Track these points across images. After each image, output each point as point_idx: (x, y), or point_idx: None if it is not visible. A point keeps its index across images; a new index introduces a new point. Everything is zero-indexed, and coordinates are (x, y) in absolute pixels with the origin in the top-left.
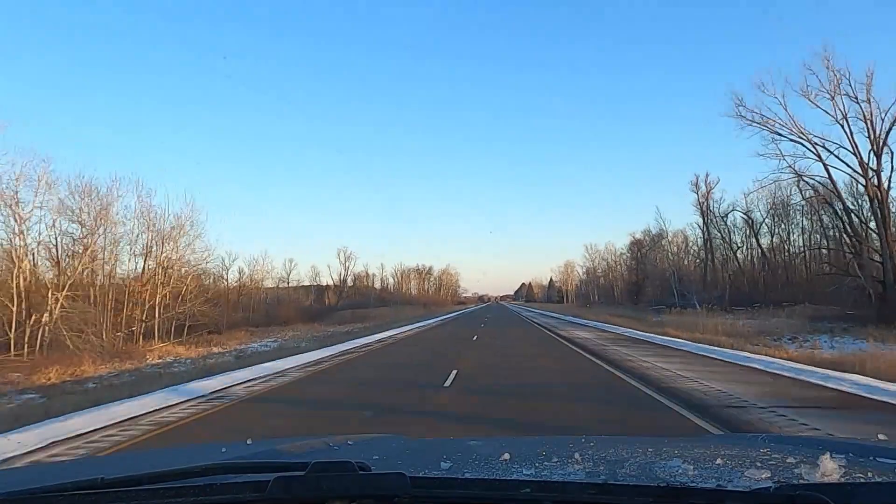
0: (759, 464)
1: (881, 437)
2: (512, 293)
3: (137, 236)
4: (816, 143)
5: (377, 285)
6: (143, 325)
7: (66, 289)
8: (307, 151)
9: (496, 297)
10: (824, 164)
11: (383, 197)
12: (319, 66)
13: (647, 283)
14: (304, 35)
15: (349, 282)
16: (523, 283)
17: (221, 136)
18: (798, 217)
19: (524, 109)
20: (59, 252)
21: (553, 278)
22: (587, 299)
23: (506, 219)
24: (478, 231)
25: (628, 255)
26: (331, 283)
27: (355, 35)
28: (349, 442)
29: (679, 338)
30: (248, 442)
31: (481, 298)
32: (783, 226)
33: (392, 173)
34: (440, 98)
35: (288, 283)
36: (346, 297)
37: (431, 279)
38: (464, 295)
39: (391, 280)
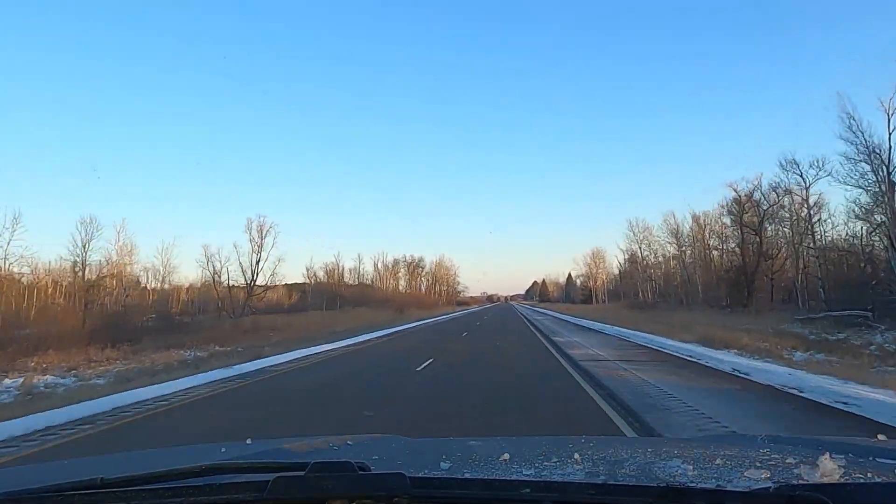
0: (758, 464)
1: (881, 437)
2: (523, 292)
3: None
4: None
5: (359, 280)
6: None
7: None
8: (306, 151)
9: (506, 297)
10: None
11: (383, 196)
12: (319, 65)
13: (759, 270)
14: (304, 32)
15: (321, 274)
16: (535, 282)
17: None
18: None
19: (527, 97)
20: None
21: (573, 273)
22: (633, 299)
23: (513, 215)
24: (484, 228)
25: (728, 222)
26: (305, 276)
27: (355, 34)
28: (349, 442)
29: None
30: (248, 441)
31: (490, 298)
32: None
33: (393, 172)
34: (439, 97)
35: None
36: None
37: (423, 273)
38: (468, 294)
39: (374, 275)
